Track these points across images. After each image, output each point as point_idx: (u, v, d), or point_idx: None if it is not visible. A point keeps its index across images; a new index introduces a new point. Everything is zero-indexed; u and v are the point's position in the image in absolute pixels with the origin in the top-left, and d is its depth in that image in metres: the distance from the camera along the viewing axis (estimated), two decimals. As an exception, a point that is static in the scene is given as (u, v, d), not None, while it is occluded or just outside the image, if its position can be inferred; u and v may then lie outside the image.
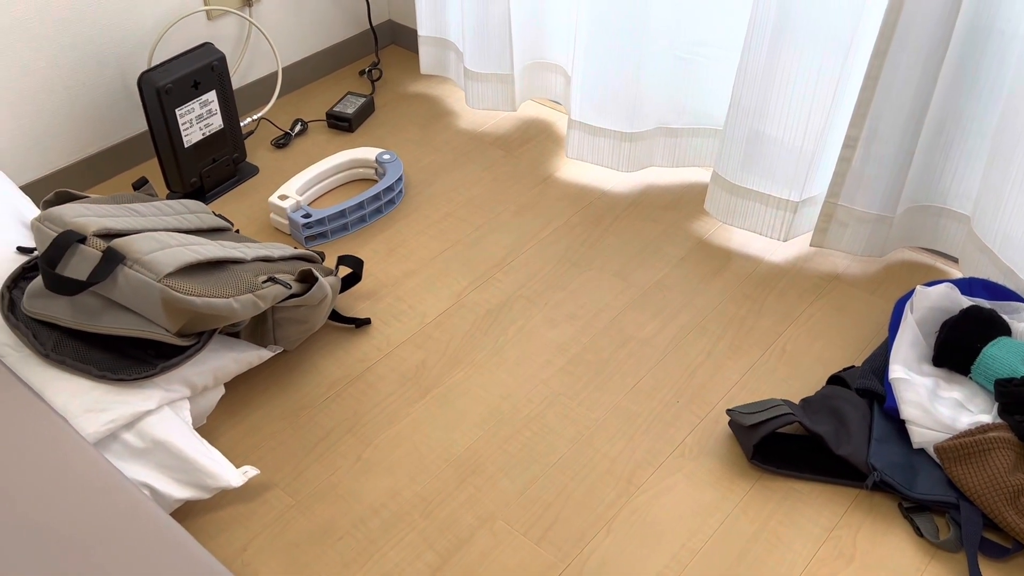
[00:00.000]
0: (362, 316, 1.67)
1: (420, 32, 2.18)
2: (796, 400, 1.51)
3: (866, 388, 1.46)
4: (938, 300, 1.52)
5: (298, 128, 2.13)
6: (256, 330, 1.49)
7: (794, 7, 1.54)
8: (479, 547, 1.32)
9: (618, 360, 1.60)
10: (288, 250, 1.55)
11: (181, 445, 1.27)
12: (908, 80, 1.51)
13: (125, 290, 1.26)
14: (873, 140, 1.60)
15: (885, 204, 1.67)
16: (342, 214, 1.83)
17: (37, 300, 1.30)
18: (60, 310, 1.29)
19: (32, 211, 1.59)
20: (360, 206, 1.85)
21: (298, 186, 1.87)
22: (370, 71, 2.31)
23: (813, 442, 1.44)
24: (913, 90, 1.52)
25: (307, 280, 1.48)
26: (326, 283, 1.50)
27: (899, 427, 1.42)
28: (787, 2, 1.54)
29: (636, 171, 2.00)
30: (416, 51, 2.27)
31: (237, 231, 1.66)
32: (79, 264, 1.27)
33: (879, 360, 1.51)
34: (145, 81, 1.73)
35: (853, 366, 1.54)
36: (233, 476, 1.30)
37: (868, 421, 1.42)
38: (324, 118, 2.17)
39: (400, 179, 1.92)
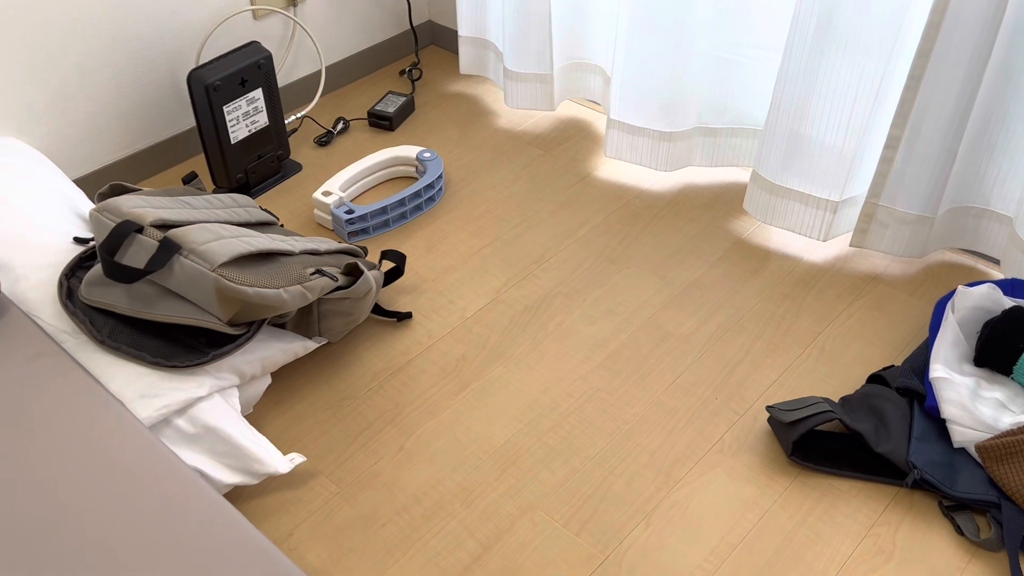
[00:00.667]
0: (404, 310, 1.70)
1: (460, 32, 2.21)
2: (835, 399, 1.52)
3: (906, 387, 1.46)
4: (980, 300, 1.52)
5: (340, 126, 2.16)
6: (302, 321, 1.53)
7: (837, 7, 1.55)
8: (519, 537, 1.34)
9: (656, 357, 1.61)
10: (333, 244, 1.58)
11: (231, 431, 1.31)
12: (952, 80, 1.51)
13: (180, 279, 1.30)
14: (915, 140, 1.60)
15: (926, 205, 1.67)
16: (384, 210, 1.86)
17: (94, 288, 1.34)
18: (116, 298, 1.33)
19: (85, 204, 1.64)
20: (401, 203, 1.88)
21: (341, 183, 1.90)
22: (411, 71, 2.34)
23: (852, 440, 1.44)
24: (957, 90, 1.52)
25: (353, 273, 1.51)
26: (371, 277, 1.53)
27: (939, 426, 1.42)
28: (831, 2, 1.55)
29: (675, 170, 2.01)
30: (456, 51, 2.30)
31: (282, 225, 1.69)
32: (136, 253, 1.31)
33: (919, 359, 1.52)
34: (194, 78, 1.77)
35: (893, 365, 1.54)
36: (280, 463, 1.33)
37: (908, 420, 1.42)
38: (366, 116, 2.21)
39: (440, 177, 1.95)
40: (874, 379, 1.53)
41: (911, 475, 1.36)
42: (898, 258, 1.80)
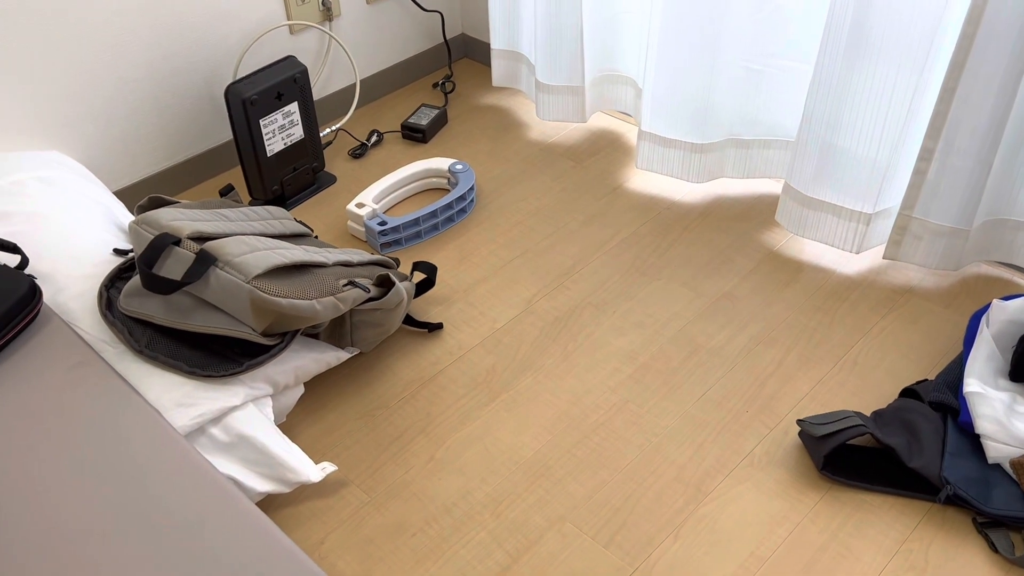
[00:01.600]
0: (435, 321, 1.72)
1: (493, 45, 2.23)
2: (867, 413, 1.51)
3: (940, 401, 1.45)
4: (1016, 314, 1.50)
5: (374, 139, 2.19)
6: (335, 332, 1.55)
7: (869, 19, 1.54)
8: (548, 548, 1.34)
9: (687, 369, 1.61)
10: (365, 255, 1.60)
11: (264, 440, 1.33)
12: (987, 92, 1.50)
13: (216, 290, 1.32)
14: (949, 152, 1.59)
15: (961, 217, 1.66)
16: (416, 222, 1.88)
17: (133, 299, 1.37)
18: (154, 308, 1.36)
19: (125, 215, 1.68)
20: (433, 214, 1.90)
21: (374, 195, 1.92)
22: (443, 83, 2.37)
23: (884, 454, 1.43)
24: (992, 102, 1.51)
25: (384, 285, 1.53)
26: (402, 288, 1.55)
27: (973, 441, 1.40)
28: (862, 14, 1.54)
29: (706, 182, 2.01)
30: (488, 64, 2.32)
31: (316, 237, 1.72)
32: (174, 265, 1.34)
33: (953, 374, 1.50)
34: (231, 92, 1.81)
35: (926, 379, 1.52)
36: (312, 471, 1.35)
37: (941, 435, 1.41)
38: (399, 129, 2.24)
39: (472, 188, 1.96)
40: (907, 393, 1.51)
41: (944, 491, 1.34)
42: (932, 271, 1.78)
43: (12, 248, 1.39)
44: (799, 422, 1.45)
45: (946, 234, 1.68)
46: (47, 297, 1.39)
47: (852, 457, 1.43)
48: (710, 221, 1.93)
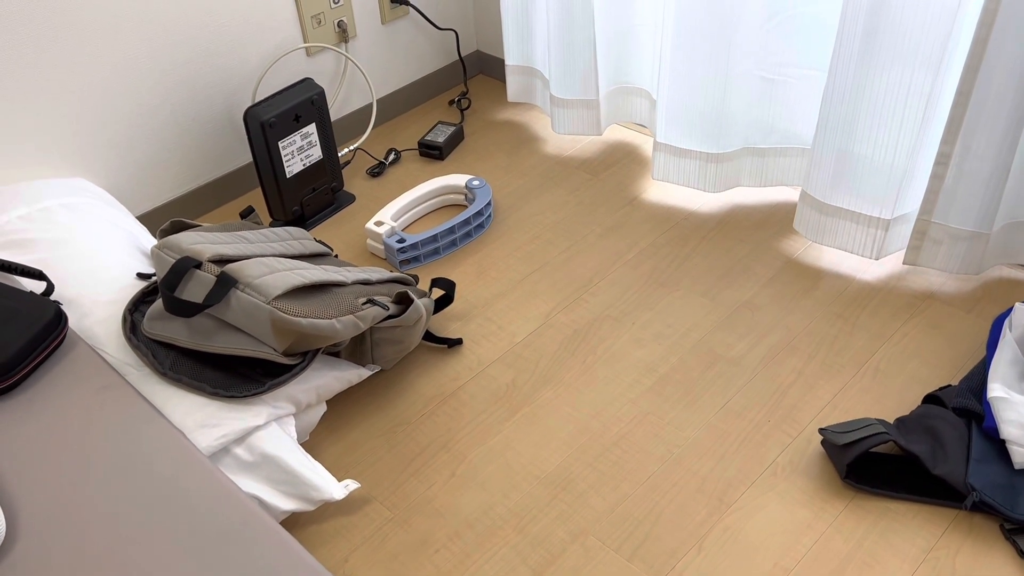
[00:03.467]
0: (454, 336, 1.73)
1: (507, 61, 2.25)
2: (890, 420, 1.50)
3: (964, 407, 1.44)
4: (1039, 318, 1.49)
5: (392, 157, 2.21)
6: (355, 350, 1.56)
7: (881, 24, 1.54)
8: (571, 562, 1.35)
9: (707, 380, 1.61)
10: (384, 273, 1.62)
11: (288, 459, 1.34)
12: (1002, 95, 1.49)
13: (237, 312, 1.34)
14: (966, 157, 1.58)
15: (980, 221, 1.65)
16: (434, 239, 1.90)
17: (156, 322, 1.39)
18: (177, 331, 1.38)
19: (148, 239, 1.71)
20: (451, 231, 1.91)
21: (392, 212, 1.94)
22: (459, 100, 2.39)
23: (909, 462, 1.42)
24: (1008, 105, 1.50)
25: (403, 302, 1.54)
26: (421, 305, 1.56)
27: (999, 447, 1.39)
28: (874, 20, 1.54)
29: (723, 191, 2.01)
30: (503, 80, 2.34)
31: (336, 256, 1.74)
32: (195, 288, 1.36)
33: (976, 379, 1.49)
34: (250, 116, 1.84)
35: (949, 385, 1.51)
36: (336, 489, 1.36)
37: (966, 441, 1.40)
38: (416, 147, 2.26)
39: (489, 204, 1.98)
40: (930, 399, 1.50)
41: (970, 497, 1.33)
42: (953, 275, 1.77)
43: (38, 275, 1.42)
44: (821, 431, 1.44)
45: (966, 238, 1.67)
46: (73, 322, 1.42)
47: (876, 465, 1.42)
48: (728, 230, 1.93)
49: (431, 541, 1.39)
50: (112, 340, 1.41)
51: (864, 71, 1.60)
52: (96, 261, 1.53)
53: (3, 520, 1.05)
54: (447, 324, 1.76)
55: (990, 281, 1.76)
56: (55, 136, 1.77)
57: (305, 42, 2.09)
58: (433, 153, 2.21)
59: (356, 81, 2.25)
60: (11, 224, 1.58)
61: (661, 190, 2.06)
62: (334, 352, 1.55)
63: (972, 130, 1.55)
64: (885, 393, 1.55)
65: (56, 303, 1.34)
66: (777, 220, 1.95)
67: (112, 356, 1.39)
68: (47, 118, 1.75)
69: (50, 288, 1.41)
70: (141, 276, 1.54)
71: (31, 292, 1.36)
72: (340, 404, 1.60)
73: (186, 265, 1.36)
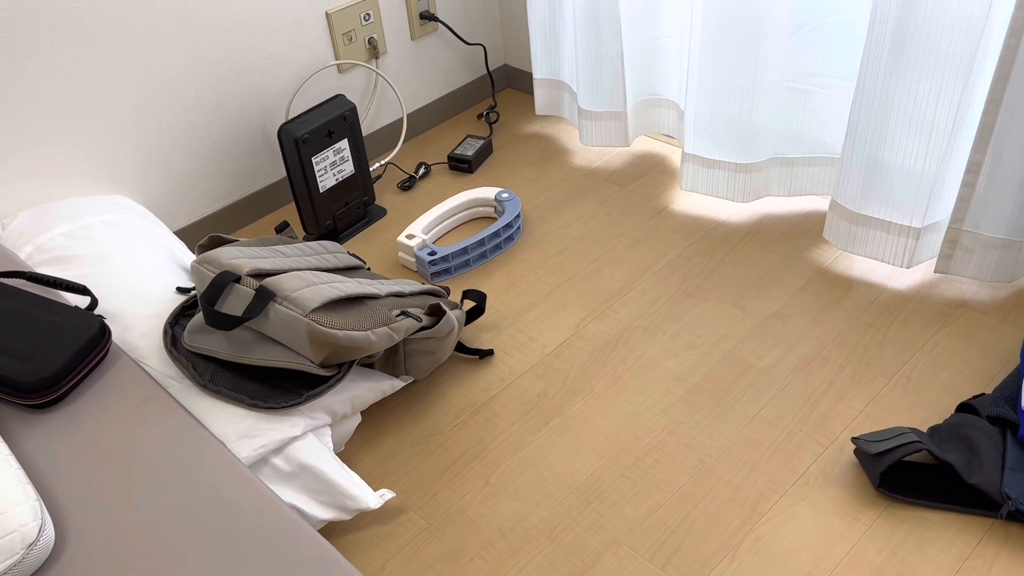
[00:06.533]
0: (486, 347, 1.75)
1: (535, 75, 2.27)
2: (923, 429, 1.49)
3: (998, 416, 1.43)
4: (1073, 325, 1.48)
5: (422, 171, 2.24)
6: (389, 361, 1.59)
7: (910, 32, 1.54)
8: (604, 571, 1.35)
9: (738, 389, 1.61)
10: (417, 286, 1.64)
11: (324, 469, 1.36)
12: (1033, 102, 1.49)
13: (275, 324, 1.37)
14: (998, 164, 1.58)
15: (1013, 228, 1.64)
16: (465, 251, 1.92)
17: (196, 335, 1.43)
18: (217, 344, 1.41)
19: (186, 254, 1.74)
20: (481, 243, 1.94)
21: (423, 226, 1.97)
22: (488, 114, 2.41)
23: (942, 471, 1.42)
24: (1038, 112, 1.50)
25: (436, 314, 1.56)
26: (453, 316, 1.58)
27: (1035, 456, 1.38)
28: (903, 28, 1.55)
29: (752, 201, 2.01)
30: (531, 93, 2.36)
31: (369, 269, 1.76)
32: (235, 302, 1.39)
33: (1011, 387, 1.48)
34: (284, 132, 1.87)
35: (983, 393, 1.51)
36: (372, 498, 1.38)
37: (1001, 450, 1.39)
38: (446, 160, 2.28)
39: (518, 216, 2.00)
40: (964, 408, 1.50)
41: (1005, 506, 1.32)
42: (986, 283, 1.76)
43: (82, 290, 1.45)
44: (854, 440, 1.44)
45: (998, 246, 1.67)
46: (115, 335, 1.45)
47: (909, 474, 1.42)
48: (757, 240, 1.94)
49: (465, 550, 1.40)
50: (154, 353, 1.45)
51: (893, 80, 1.60)
52: (137, 276, 1.57)
53: (52, 529, 1.08)
54: (478, 335, 1.78)
55: (1023, 289, 1.75)
56: (95, 154, 1.82)
57: (337, 59, 2.13)
58: (462, 167, 2.24)
59: (387, 96, 2.29)
60: (54, 241, 1.62)
61: (689, 201, 2.07)
62: (368, 363, 1.57)
63: (1003, 138, 1.55)
64: (917, 403, 1.55)
65: (100, 317, 1.38)
66: (806, 230, 1.95)
67: (154, 369, 1.43)
68: (87, 137, 1.80)
69: (94, 303, 1.45)
70: (180, 290, 1.57)
71: (75, 307, 1.40)
72: (375, 414, 1.62)
73: (226, 279, 1.39)
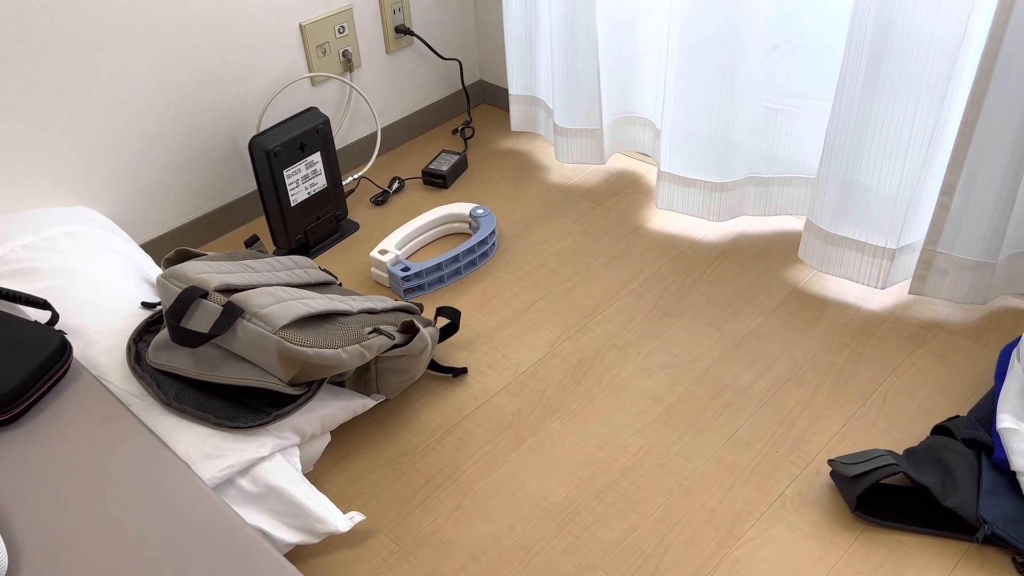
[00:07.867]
0: (459, 365, 1.72)
1: (511, 91, 2.26)
2: (899, 451, 1.49)
3: (973, 438, 1.43)
4: (1047, 348, 1.48)
5: (396, 186, 2.22)
6: (360, 379, 1.55)
7: (886, 54, 1.55)
8: (579, 596, 1.33)
9: (714, 410, 1.60)
10: (389, 302, 1.61)
11: (292, 490, 1.33)
12: (1006, 127, 1.50)
13: (243, 342, 1.34)
14: (972, 187, 1.58)
15: (986, 250, 1.65)
16: (439, 267, 1.89)
17: (161, 352, 1.39)
18: (182, 361, 1.37)
19: (152, 268, 1.70)
20: (455, 259, 1.91)
21: (397, 241, 1.94)
22: (463, 129, 2.39)
23: (919, 494, 1.41)
24: (1012, 136, 1.50)
25: (409, 331, 1.53)
26: (426, 334, 1.56)
27: (1010, 479, 1.38)
28: (879, 49, 1.55)
29: (727, 220, 2.01)
30: (507, 109, 2.35)
31: (341, 284, 1.73)
32: (201, 318, 1.35)
33: (985, 410, 1.48)
34: (255, 145, 1.84)
35: (958, 416, 1.50)
36: (340, 521, 1.35)
37: (976, 472, 1.39)
38: (420, 175, 2.26)
39: (493, 232, 1.98)
40: (939, 430, 1.49)
41: (982, 530, 1.32)
42: (960, 305, 1.76)
43: (43, 304, 1.41)
44: (830, 462, 1.43)
45: (972, 268, 1.67)
46: (77, 351, 1.41)
47: (886, 497, 1.41)
48: (733, 260, 1.93)
49: (437, 574, 1.37)
50: (116, 370, 1.40)
51: (869, 101, 1.61)
52: (101, 290, 1.53)
53: (5, 553, 1.04)
54: (452, 353, 1.75)
55: (997, 311, 1.75)
56: (59, 164, 1.78)
57: (310, 71, 2.10)
58: (437, 182, 2.22)
59: (360, 110, 2.26)
60: (15, 253, 1.57)
61: (665, 219, 2.06)
62: (339, 382, 1.54)
63: (977, 160, 1.55)
64: (893, 424, 1.55)
65: (61, 332, 1.33)
66: (782, 249, 1.95)
67: (116, 386, 1.38)
68: (51, 146, 1.75)
69: (55, 317, 1.41)
70: (146, 305, 1.53)
71: (35, 322, 1.35)
72: (345, 434, 1.58)
73: (192, 295, 1.35)
